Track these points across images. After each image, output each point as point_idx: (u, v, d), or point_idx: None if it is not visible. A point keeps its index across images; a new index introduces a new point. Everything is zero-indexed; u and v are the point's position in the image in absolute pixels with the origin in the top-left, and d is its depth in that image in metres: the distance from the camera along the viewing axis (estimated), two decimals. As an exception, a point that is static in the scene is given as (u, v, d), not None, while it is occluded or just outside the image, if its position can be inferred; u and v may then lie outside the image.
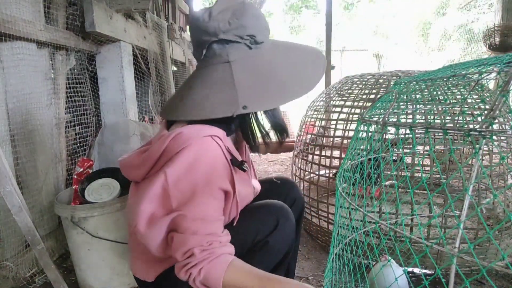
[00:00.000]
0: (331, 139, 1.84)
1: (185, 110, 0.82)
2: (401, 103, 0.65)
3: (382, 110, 0.68)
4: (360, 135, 0.74)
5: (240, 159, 0.85)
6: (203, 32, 0.81)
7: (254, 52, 0.83)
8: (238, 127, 0.88)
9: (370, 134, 0.64)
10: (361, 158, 0.70)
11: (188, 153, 0.75)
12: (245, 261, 0.79)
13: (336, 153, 1.74)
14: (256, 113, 0.86)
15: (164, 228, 0.77)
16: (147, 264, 0.88)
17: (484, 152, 1.67)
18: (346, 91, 1.87)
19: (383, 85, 1.71)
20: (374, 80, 1.78)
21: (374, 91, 1.71)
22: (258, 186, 1.09)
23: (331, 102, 1.89)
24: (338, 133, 1.76)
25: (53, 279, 1.22)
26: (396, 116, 0.61)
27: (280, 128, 0.90)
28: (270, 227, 0.89)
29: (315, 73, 0.86)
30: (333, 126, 1.78)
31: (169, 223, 0.76)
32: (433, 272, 1.44)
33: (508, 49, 3.93)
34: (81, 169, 1.54)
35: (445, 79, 0.55)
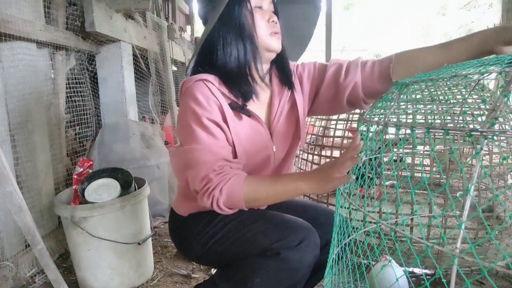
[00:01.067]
0: (331, 139, 1.84)
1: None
2: (402, 103, 0.65)
3: (382, 110, 0.68)
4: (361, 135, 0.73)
5: (240, 103, 0.89)
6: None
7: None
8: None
9: (370, 134, 0.64)
10: (362, 158, 0.70)
11: (183, 96, 0.88)
12: (252, 261, 0.83)
13: (336, 153, 1.74)
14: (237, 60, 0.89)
15: (180, 157, 0.88)
16: (184, 202, 0.98)
17: (484, 152, 1.67)
18: None
19: None
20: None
21: None
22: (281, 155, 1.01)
23: None
24: (338, 133, 1.76)
25: (53, 279, 1.22)
26: (396, 116, 0.61)
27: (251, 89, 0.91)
28: (291, 243, 0.83)
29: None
30: (333, 126, 1.78)
31: (183, 159, 0.85)
32: (433, 272, 1.44)
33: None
34: (81, 169, 1.54)
35: (445, 80, 0.55)
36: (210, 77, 0.86)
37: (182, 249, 1.03)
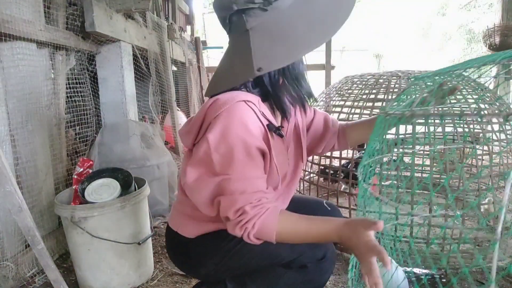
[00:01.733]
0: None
1: (215, 83, 0.90)
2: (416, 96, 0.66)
3: (403, 104, 0.69)
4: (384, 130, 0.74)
5: (276, 125, 0.88)
6: (221, 8, 0.86)
7: (271, 14, 0.83)
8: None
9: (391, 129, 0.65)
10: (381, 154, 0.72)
11: (224, 118, 0.79)
12: (276, 271, 0.87)
13: (335, 153, 1.74)
14: (283, 79, 0.87)
15: (211, 188, 0.80)
16: (193, 225, 0.94)
17: (484, 153, 1.67)
18: (346, 91, 1.87)
19: (383, 85, 1.71)
20: (374, 80, 1.78)
21: (374, 91, 1.71)
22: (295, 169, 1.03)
23: (331, 102, 1.89)
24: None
25: (53, 279, 1.22)
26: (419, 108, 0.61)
27: (306, 92, 0.91)
28: (316, 257, 0.91)
29: (335, 20, 0.83)
30: None
31: (215, 186, 0.80)
32: (433, 272, 1.43)
33: (508, 49, 3.92)
34: (81, 169, 1.54)
35: (462, 72, 0.56)
36: (252, 97, 0.83)
37: (187, 269, 1.03)
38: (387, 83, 1.71)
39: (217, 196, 0.80)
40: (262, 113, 0.84)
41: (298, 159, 1.03)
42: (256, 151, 0.80)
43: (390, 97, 1.63)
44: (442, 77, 0.62)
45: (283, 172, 0.93)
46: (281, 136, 0.89)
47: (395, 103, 0.81)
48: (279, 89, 0.87)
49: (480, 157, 1.76)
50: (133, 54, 2.39)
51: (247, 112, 0.80)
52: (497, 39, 3.97)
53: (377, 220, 0.67)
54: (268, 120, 0.86)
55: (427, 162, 2.18)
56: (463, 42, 9.77)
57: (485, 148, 1.60)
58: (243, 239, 0.81)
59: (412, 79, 0.73)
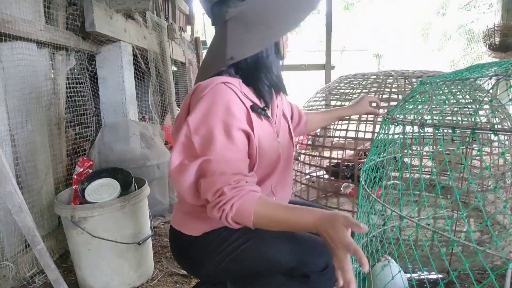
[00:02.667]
0: (328, 139, 1.84)
1: (199, 74, 0.93)
2: (424, 103, 0.66)
3: (410, 110, 0.68)
4: (390, 136, 0.74)
5: (261, 105, 0.89)
6: (204, 0, 0.89)
7: (247, 3, 0.85)
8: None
9: (400, 135, 0.65)
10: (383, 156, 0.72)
11: (204, 101, 0.80)
12: (278, 278, 0.85)
13: (334, 153, 1.74)
14: (257, 66, 0.88)
15: (193, 173, 0.80)
16: (196, 223, 0.93)
17: (484, 153, 1.67)
18: (338, 90, 1.88)
19: (374, 84, 1.72)
20: (372, 79, 1.78)
21: (365, 90, 1.72)
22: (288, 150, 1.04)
23: (323, 102, 1.90)
24: (334, 133, 1.76)
25: (53, 279, 1.22)
26: (420, 116, 0.61)
27: (274, 84, 0.92)
28: (318, 267, 0.88)
29: (306, 6, 0.86)
30: (332, 127, 1.78)
31: (197, 169, 0.79)
32: (439, 276, 1.43)
33: (508, 49, 3.92)
34: (81, 169, 1.54)
35: (470, 80, 0.55)
36: (233, 80, 0.85)
37: (189, 269, 1.02)
38: (379, 81, 1.71)
39: (200, 179, 0.80)
40: (244, 94, 0.86)
41: (290, 146, 1.04)
42: (238, 133, 0.80)
43: (381, 96, 1.63)
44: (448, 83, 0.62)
45: (274, 155, 0.93)
46: (267, 116, 0.90)
47: (403, 104, 0.81)
48: (255, 75, 0.88)
49: (484, 157, 1.76)
50: (133, 54, 2.39)
51: (228, 93, 0.81)
52: (497, 39, 3.97)
53: (360, 223, 0.66)
54: (251, 101, 0.87)
55: (425, 162, 2.18)
56: (463, 42, 9.76)
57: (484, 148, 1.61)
58: (243, 244, 0.81)
59: (418, 83, 0.73)
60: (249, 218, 0.76)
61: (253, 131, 0.84)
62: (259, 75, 0.88)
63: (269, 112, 0.93)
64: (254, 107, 0.87)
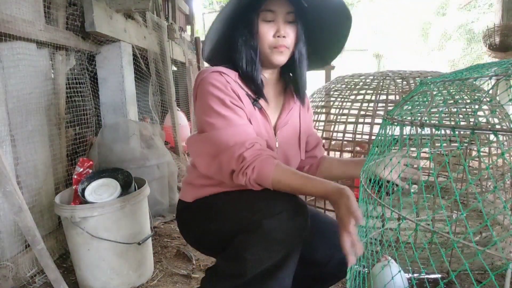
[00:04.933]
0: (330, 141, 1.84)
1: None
2: (421, 104, 0.66)
3: (409, 111, 0.68)
4: (388, 137, 0.74)
5: (253, 96, 0.95)
6: None
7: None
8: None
9: (403, 136, 0.65)
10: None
11: (202, 86, 0.91)
12: (237, 240, 0.84)
13: (331, 154, 1.74)
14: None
15: (207, 144, 0.90)
16: (187, 187, 1.03)
17: (484, 154, 1.67)
18: (334, 91, 1.88)
19: (372, 85, 1.72)
20: (370, 80, 1.78)
21: (362, 91, 1.71)
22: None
23: (320, 103, 1.90)
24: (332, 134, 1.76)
25: (53, 279, 1.22)
26: (419, 116, 0.61)
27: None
28: (272, 212, 0.80)
29: None
30: (321, 128, 1.79)
31: (211, 145, 0.88)
32: (438, 276, 1.44)
33: (508, 49, 3.93)
34: (81, 169, 1.54)
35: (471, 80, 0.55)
36: (227, 71, 0.92)
37: (184, 235, 1.07)
38: (376, 82, 1.71)
39: (216, 156, 0.87)
40: (239, 84, 0.93)
41: (296, 151, 1.06)
42: (232, 104, 0.88)
43: (378, 97, 1.62)
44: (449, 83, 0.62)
45: (269, 144, 0.97)
46: (259, 107, 0.96)
47: (403, 104, 0.81)
48: (243, 71, 0.95)
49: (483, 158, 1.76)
50: (133, 54, 2.39)
51: (218, 77, 0.90)
52: (497, 39, 3.97)
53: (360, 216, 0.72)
54: (244, 90, 0.94)
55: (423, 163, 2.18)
56: (463, 42, 9.76)
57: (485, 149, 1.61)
58: (222, 207, 0.90)
59: (418, 84, 0.73)
60: (268, 182, 0.82)
61: (244, 111, 0.91)
62: (245, 76, 0.95)
63: (263, 104, 0.97)
64: (247, 95, 0.94)
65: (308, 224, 0.85)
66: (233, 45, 0.94)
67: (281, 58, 0.95)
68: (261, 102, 0.97)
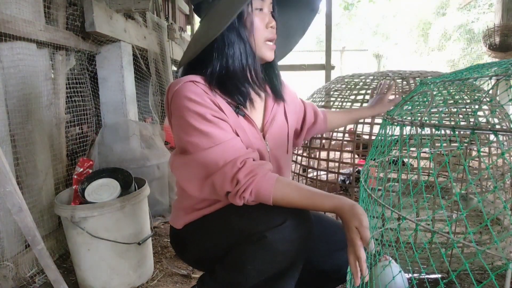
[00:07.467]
0: (326, 140, 1.84)
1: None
2: (421, 104, 0.66)
3: (409, 111, 0.68)
4: (388, 137, 0.74)
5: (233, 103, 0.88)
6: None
7: (216, 3, 0.86)
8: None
9: (403, 136, 0.65)
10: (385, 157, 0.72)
11: (177, 101, 0.83)
12: (238, 250, 0.81)
13: (325, 155, 1.74)
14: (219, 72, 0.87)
15: (194, 166, 0.82)
16: (178, 212, 0.97)
17: (484, 154, 1.67)
18: (334, 91, 1.88)
19: (371, 86, 1.72)
20: (370, 80, 1.78)
21: (362, 91, 1.72)
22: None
23: (319, 103, 1.89)
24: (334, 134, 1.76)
25: (53, 279, 1.22)
26: (420, 116, 0.61)
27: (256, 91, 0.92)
28: (274, 223, 0.78)
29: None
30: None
31: (199, 166, 0.81)
32: (438, 276, 1.43)
33: (508, 49, 3.92)
34: (81, 169, 1.54)
35: (470, 80, 0.55)
36: (199, 78, 0.84)
37: (181, 257, 1.04)
38: (376, 82, 1.71)
39: (207, 178, 0.80)
40: (215, 92, 0.84)
41: (283, 150, 1.01)
42: (214, 118, 0.81)
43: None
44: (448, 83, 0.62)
45: (261, 152, 0.92)
46: (242, 114, 0.88)
47: (403, 104, 0.81)
48: (227, 83, 0.87)
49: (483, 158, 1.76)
50: (133, 54, 2.39)
51: (192, 88, 0.82)
52: (497, 39, 3.97)
53: (370, 239, 0.70)
54: (225, 99, 0.86)
55: (423, 163, 2.18)
56: (463, 42, 9.76)
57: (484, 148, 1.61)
58: (219, 219, 0.86)
59: (418, 84, 0.73)
60: (269, 202, 0.77)
61: (228, 123, 0.84)
62: (233, 79, 0.86)
63: (248, 112, 0.90)
64: (228, 103, 0.86)
65: (313, 232, 0.82)
66: (223, 42, 0.84)
67: (272, 54, 0.90)
68: (247, 111, 0.90)
